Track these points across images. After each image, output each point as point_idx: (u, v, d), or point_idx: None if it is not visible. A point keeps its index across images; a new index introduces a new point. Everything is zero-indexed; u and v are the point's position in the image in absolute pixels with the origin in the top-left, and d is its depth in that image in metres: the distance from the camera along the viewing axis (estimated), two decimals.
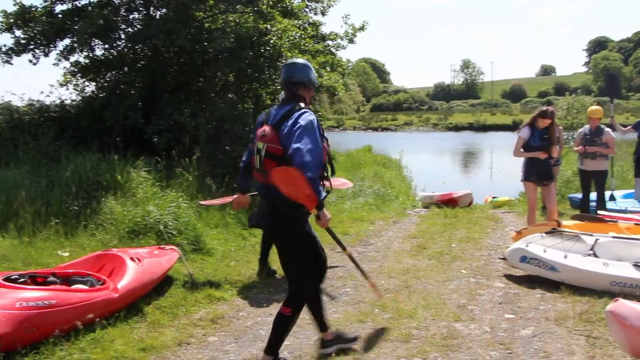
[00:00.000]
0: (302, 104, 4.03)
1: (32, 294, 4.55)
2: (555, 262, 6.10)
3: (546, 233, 6.65)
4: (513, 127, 53.26)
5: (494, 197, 13.65)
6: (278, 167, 3.83)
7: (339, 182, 8.75)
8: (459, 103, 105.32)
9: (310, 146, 3.76)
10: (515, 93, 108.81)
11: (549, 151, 7.61)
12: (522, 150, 7.78)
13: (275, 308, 5.67)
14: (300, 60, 4.32)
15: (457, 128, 73.76)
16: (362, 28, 16.20)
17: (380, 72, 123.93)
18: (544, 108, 7.95)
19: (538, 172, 7.77)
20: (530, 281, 6.39)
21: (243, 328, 5.21)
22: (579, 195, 10.21)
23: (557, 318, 5.23)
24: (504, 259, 7.11)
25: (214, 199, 8.51)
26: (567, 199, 11.72)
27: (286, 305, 4.16)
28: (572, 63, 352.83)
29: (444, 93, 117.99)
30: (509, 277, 6.66)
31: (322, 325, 4.53)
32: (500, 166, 23.86)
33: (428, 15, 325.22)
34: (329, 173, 4.21)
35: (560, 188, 12.31)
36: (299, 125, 3.83)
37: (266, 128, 4.00)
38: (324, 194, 3.95)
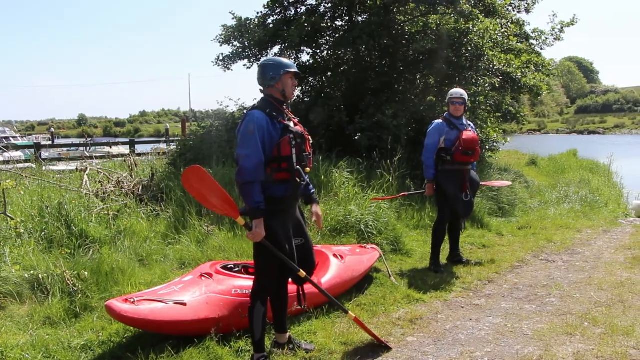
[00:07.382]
0: (257, 105, 4.14)
1: (246, 283, 4.85)
2: None
3: None
4: None
5: None
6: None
7: (497, 183, 9.32)
8: None
9: (245, 152, 3.88)
10: None
11: None
12: None
13: (474, 313, 5.54)
14: (262, 61, 4.38)
15: None
16: (571, 23, 15.14)
17: (587, 71, 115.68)
18: None
19: None
20: None
21: (442, 331, 5.12)
22: None
23: None
24: None
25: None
26: None
27: (250, 296, 4.27)
28: None
29: None
30: None
31: (279, 325, 4.54)
32: None
33: None
34: (300, 170, 4.10)
35: None
36: (240, 130, 4.02)
37: None
38: (260, 202, 3.93)
